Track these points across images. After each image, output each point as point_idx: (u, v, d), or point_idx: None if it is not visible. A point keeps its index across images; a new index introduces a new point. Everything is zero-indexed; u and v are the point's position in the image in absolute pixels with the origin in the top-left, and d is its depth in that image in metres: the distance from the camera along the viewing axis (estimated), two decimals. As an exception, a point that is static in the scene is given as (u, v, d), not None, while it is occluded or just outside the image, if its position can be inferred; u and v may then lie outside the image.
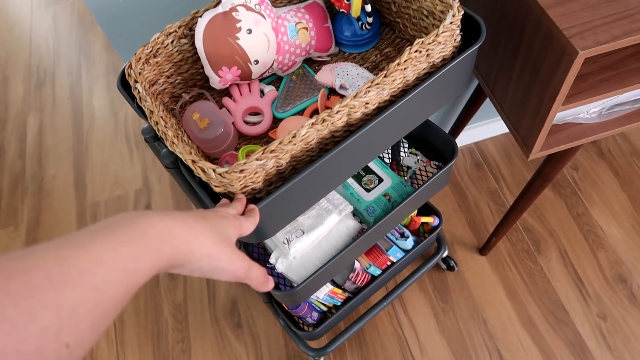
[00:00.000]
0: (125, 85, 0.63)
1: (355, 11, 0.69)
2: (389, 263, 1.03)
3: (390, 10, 0.74)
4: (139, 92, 0.59)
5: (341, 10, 0.71)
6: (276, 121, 0.71)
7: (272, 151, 0.51)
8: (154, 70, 0.65)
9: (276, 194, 0.54)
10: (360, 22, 0.72)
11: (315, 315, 1.06)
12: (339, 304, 1.05)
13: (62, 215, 1.61)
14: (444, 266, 1.38)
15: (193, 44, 0.67)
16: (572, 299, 1.33)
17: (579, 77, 0.74)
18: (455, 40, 0.61)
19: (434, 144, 0.95)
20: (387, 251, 0.99)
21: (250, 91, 0.73)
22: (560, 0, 0.66)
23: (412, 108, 0.63)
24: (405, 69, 0.57)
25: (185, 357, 1.32)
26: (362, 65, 0.75)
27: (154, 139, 0.65)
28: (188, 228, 0.37)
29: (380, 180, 0.91)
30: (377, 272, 1.03)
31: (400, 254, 1.02)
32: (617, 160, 1.56)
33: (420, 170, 0.99)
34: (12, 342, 0.23)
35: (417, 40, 0.56)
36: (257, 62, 0.68)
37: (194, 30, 0.65)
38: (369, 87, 0.55)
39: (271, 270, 0.85)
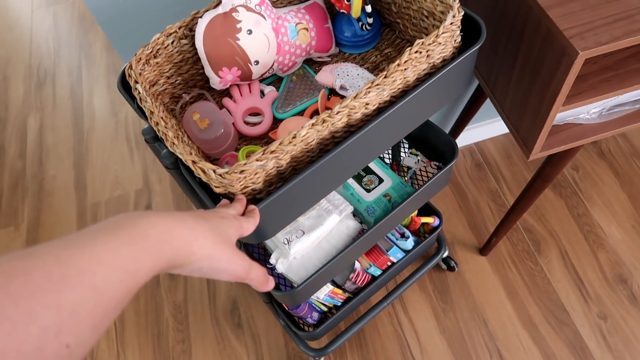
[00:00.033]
0: (125, 85, 0.63)
1: (356, 12, 0.69)
2: (389, 263, 1.03)
3: (391, 10, 0.74)
4: (139, 92, 0.59)
5: (341, 10, 0.71)
6: (276, 122, 0.71)
7: (272, 152, 0.51)
8: (154, 70, 0.65)
9: (276, 195, 0.54)
10: (360, 23, 0.72)
11: (315, 315, 1.06)
12: (339, 304, 1.05)
13: (62, 215, 1.61)
14: (444, 266, 1.38)
15: (193, 44, 0.67)
16: (573, 299, 1.33)
17: (579, 77, 0.74)
18: (455, 40, 0.61)
19: (435, 144, 0.95)
20: (387, 251, 0.99)
21: (250, 92, 0.73)
22: (560, 1, 0.66)
23: (412, 109, 0.63)
24: (405, 69, 0.57)
25: (185, 357, 1.32)
26: (363, 65, 0.75)
27: (154, 139, 0.65)
28: (188, 228, 0.37)
29: (381, 180, 0.91)
30: (378, 272, 1.03)
31: (400, 255, 1.02)
32: (618, 160, 1.56)
33: (420, 170, 0.99)
34: (13, 342, 0.23)
35: (418, 41, 0.56)
36: (257, 62, 0.68)
37: (194, 31, 0.65)
38: (369, 87, 0.55)
39: (271, 271, 0.85)
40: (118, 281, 0.29)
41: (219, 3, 0.64)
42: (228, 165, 0.66)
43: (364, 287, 1.04)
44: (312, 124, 0.53)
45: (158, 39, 0.64)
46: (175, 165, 0.64)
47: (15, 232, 1.59)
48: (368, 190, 0.90)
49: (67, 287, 0.26)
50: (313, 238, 0.82)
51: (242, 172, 0.50)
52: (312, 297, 0.98)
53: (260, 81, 0.75)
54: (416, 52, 0.56)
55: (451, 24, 0.57)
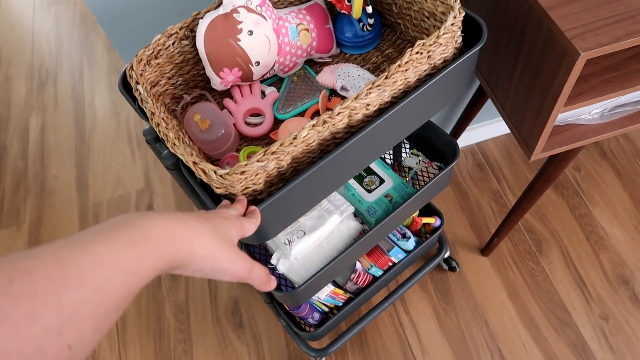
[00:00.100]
0: (126, 86, 0.63)
1: (357, 12, 0.69)
2: (390, 264, 1.03)
3: (392, 11, 0.74)
4: (140, 93, 0.59)
5: (342, 11, 0.71)
6: (277, 122, 0.72)
7: (273, 152, 0.51)
8: (155, 71, 0.65)
9: (277, 196, 0.54)
10: (361, 24, 0.72)
11: (316, 315, 1.06)
12: (340, 304, 1.05)
13: (64, 215, 1.62)
14: (445, 267, 1.38)
15: (194, 45, 0.67)
16: (574, 300, 1.33)
17: (581, 78, 0.74)
18: (456, 41, 0.61)
19: (436, 144, 0.95)
20: (388, 252, 0.99)
21: (251, 92, 0.73)
22: (561, 2, 0.66)
23: (413, 109, 0.63)
24: (406, 70, 0.57)
25: (187, 357, 1.32)
26: (363, 66, 0.75)
27: (155, 140, 0.65)
28: (189, 229, 0.37)
29: (382, 181, 0.91)
30: (379, 272, 1.03)
31: (401, 255, 1.02)
32: (620, 161, 1.55)
33: (421, 171, 0.99)
34: (14, 343, 0.23)
35: (418, 42, 0.56)
36: (258, 63, 0.68)
37: (195, 32, 0.65)
38: (370, 88, 0.55)
39: (272, 271, 0.85)
40: (119, 282, 0.29)
41: (220, 4, 0.64)
42: (229, 166, 0.66)
43: (365, 288, 1.04)
44: (313, 125, 0.53)
45: (159, 39, 0.64)
46: (177, 166, 0.64)
47: (17, 232, 1.60)
48: (369, 191, 0.90)
49: (68, 288, 0.26)
50: (314, 238, 0.82)
51: (243, 173, 0.50)
52: (313, 297, 0.98)
53: (261, 82, 0.75)
54: (417, 52, 0.56)
55: (452, 24, 0.57)
